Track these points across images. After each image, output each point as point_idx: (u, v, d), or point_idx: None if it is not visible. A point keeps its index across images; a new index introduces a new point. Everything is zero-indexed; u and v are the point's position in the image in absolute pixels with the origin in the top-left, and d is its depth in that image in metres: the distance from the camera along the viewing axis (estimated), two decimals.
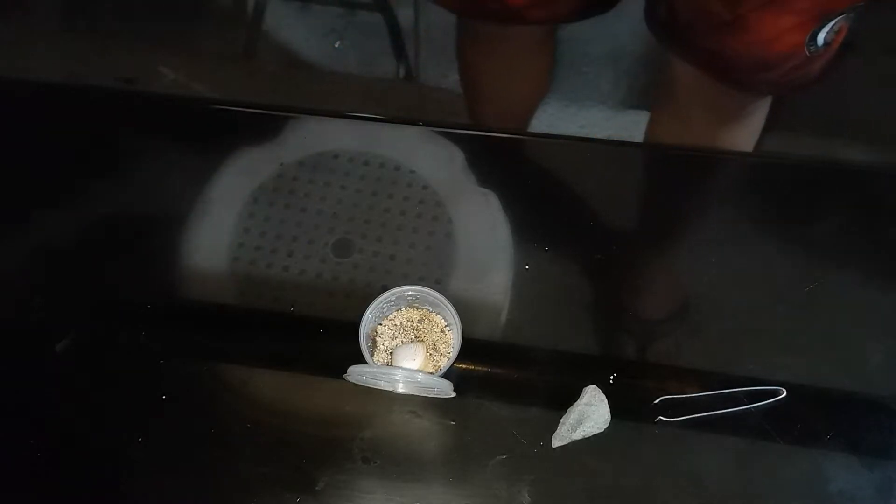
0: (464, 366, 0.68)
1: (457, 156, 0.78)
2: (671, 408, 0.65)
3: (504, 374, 0.69)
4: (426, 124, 0.82)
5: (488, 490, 0.63)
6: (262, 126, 0.80)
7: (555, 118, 1.48)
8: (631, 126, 1.49)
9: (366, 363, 0.64)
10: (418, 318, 0.68)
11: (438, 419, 0.66)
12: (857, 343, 0.69)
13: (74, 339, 0.70)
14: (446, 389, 0.62)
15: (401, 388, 0.62)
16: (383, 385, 0.63)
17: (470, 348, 0.66)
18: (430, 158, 0.78)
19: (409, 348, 0.65)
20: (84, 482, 0.66)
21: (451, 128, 0.81)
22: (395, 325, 0.68)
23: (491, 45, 0.99)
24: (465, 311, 0.67)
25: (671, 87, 0.94)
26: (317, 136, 0.80)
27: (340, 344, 0.68)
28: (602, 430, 0.64)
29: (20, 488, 0.65)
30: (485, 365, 0.69)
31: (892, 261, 0.73)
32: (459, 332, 0.66)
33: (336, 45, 1.59)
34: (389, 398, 0.66)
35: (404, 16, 1.66)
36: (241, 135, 0.80)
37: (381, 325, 0.68)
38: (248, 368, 0.70)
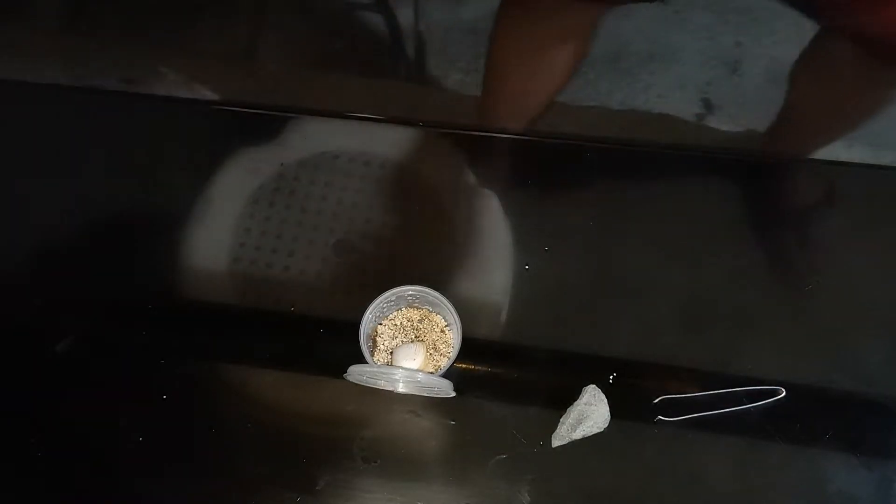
0: (464, 366, 0.68)
1: (457, 156, 0.78)
2: (671, 407, 0.66)
3: (504, 374, 0.69)
4: (426, 124, 0.82)
5: (488, 489, 0.63)
6: (262, 126, 0.81)
7: (555, 118, 1.48)
8: (631, 126, 1.48)
9: (366, 363, 0.64)
10: (418, 318, 0.68)
11: (438, 419, 0.67)
12: (857, 343, 0.69)
13: (74, 339, 0.71)
14: (446, 389, 0.62)
15: (401, 388, 0.62)
16: (383, 385, 0.63)
17: (470, 348, 0.66)
18: (430, 158, 0.78)
19: (409, 348, 0.65)
20: (84, 482, 0.66)
21: (451, 128, 0.81)
22: (396, 324, 0.68)
23: (531, 28, 0.99)
24: (465, 311, 0.67)
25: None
26: (317, 136, 0.80)
27: (341, 344, 0.68)
28: (602, 430, 0.64)
29: (20, 488, 0.65)
30: (485, 365, 0.69)
31: (892, 260, 0.73)
32: (459, 332, 0.66)
33: (336, 46, 1.59)
34: (389, 398, 0.67)
35: (404, 16, 1.66)
36: (241, 135, 0.80)
37: (381, 324, 0.68)
38: (248, 368, 0.70)
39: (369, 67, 1.57)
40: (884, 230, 0.75)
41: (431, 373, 0.64)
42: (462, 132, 0.81)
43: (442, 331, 0.68)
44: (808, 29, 0.84)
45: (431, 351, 0.67)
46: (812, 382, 0.67)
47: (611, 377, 0.67)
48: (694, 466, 0.65)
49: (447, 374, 0.64)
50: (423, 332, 0.68)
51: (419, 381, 0.62)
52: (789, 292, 0.71)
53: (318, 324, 0.71)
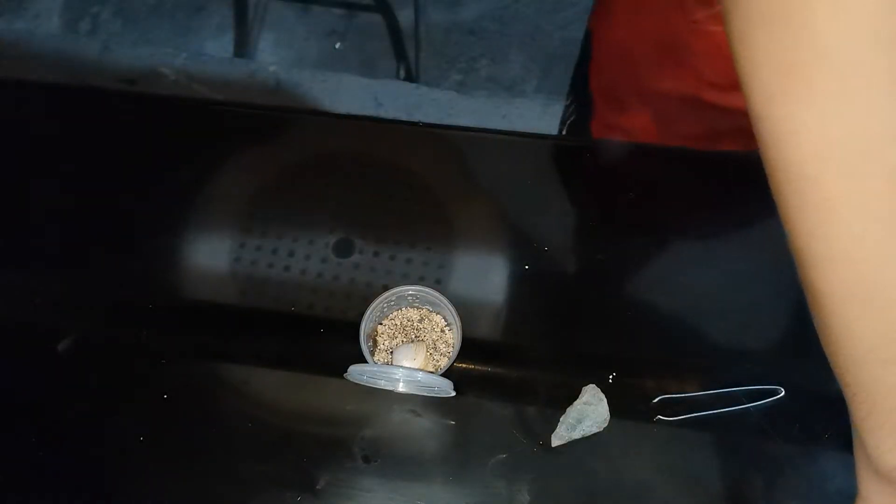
0: (464, 366, 0.68)
1: (457, 156, 0.79)
2: (670, 407, 0.66)
3: (504, 373, 0.69)
4: (426, 124, 0.82)
5: (488, 489, 0.64)
6: (262, 126, 0.81)
7: (554, 118, 1.48)
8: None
9: (366, 363, 0.64)
10: (418, 317, 0.68)
11: (438, 419, 0.67)
12: None
13: (75, 339, 0.71)
14: (446, 388, 0.62)
15: (401, 388, 0.63)
16: (384, 384, 0.63)
17: (470, 348, 0.66)
18: (430, 158, 0.78)
19: (410, 348, 0.65)
20: (85, 481, 0.66)
21: (451, 128, 0.82)
22: (396, 324, 0.68)
23: None
24: (465, 311, 0.67)
25: None
26: (317, 136, 0.80)
27: (341, 343, 0.68)
28: (601, 430, 0.64)
29: (21, 488, 0.66)
30: (485, 365, 0.69)
31: None
32: (459, 332, 0.66)
33: (336, 46, 1.60)
34: (390, 397, 0.67)
35: (404, 17, 1.66)
36: (241, 135, 0.80)
37: (381, 324, 0.68)
38: (248, 368, 0.70)
39: (369, 67, 1.58)
40: None
41: (431, 372, 0.65)
42: (462, 132, 0.81)
43: (442, 331, 0.68)
44: None
45: (431, 351, 0.67)
46: (810, 381, 0.67)
47: (610, 377, 0.67)
48: (693, 466, 0.65)
49: (447, 374, 0.64)
50: (423, 332, 0.68)
51: (419, 381, 0.63)
52: (789, 292, 0.71)
53: (319, 323, 0.71)
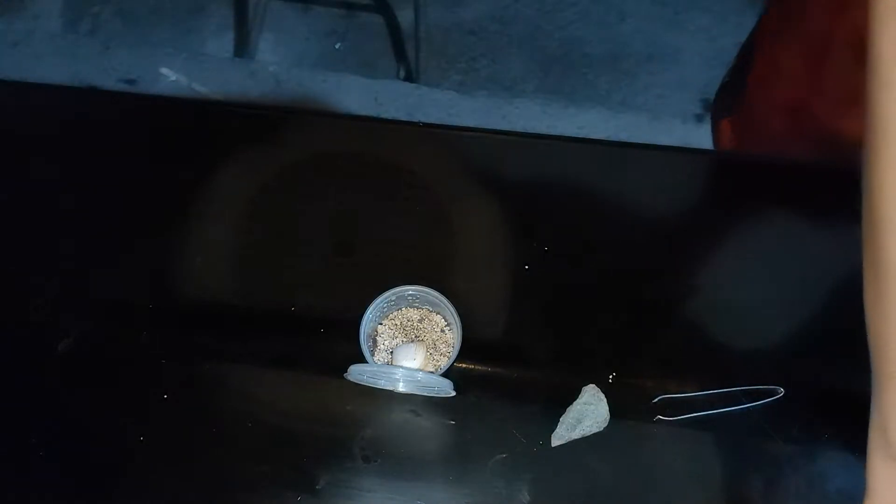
0: (464, 365, 0.68)
1: (457, 156, 0.79)
2: (670, 407, 0.66)
3: (504, 373, 0.69)
4: (426, 124, 0.82)
5: (488, 489, 0.64)
6: (262, 126, 0.81)
7: (554, 118, 1.49)
8: (629, 126, 1.49)
9: (366, 363, 0.64)
10: (418, 317, 0.68)
11: (438, 418, 0.67)
12: (855, 342, 0.69)
13: (75, 339, 0.71)
14: (446, 388, 0.62)
15: (401, 388, 0.63)
16: (384, 384, 0.63)
17: (470, 348, 0.66)
18: (430, 158, 0.78)
19: (410, 348, 0.65)
20: (85, 481, 0.66)
21: (451, 128, 0.81)
22: (396, 324, 0.68)
23: None
24: (465, 311, 0.67)
25: None
26: (317, 136, 0.80)
27: (341, 343, 0.68)
28: (601, 430, 0.64)
29: (21, 487, 0.66)
30: (485, 365, 0.69)
31: None
32: (459, 332, 0.66)
33: (336, 46, 1.60)
34: (390, 397, 0.67)
35: (404, 17, 1.66)
36: (241, 135, 0.80)
37: (381, 324, 0.68)
38: (248, 368, 0.70)
39: (369, 67, 1.58)
40: None
41: (431, 372, 0.65)
42: (462, 132, 0.81)
43: (442, 330, 0.68)
44: None
45: (431, 351, 0.67)
46: (810, 381, 0.67)
47: (610, 377, 0.67)
48: (693, 466, 0.65)
49: (447, 374, 0.64)
50: (423, 332, 0.68)
51: (419, 381, 0.63)
52: (789, 292, 0.71)
53: (319, 323, 0.71)
